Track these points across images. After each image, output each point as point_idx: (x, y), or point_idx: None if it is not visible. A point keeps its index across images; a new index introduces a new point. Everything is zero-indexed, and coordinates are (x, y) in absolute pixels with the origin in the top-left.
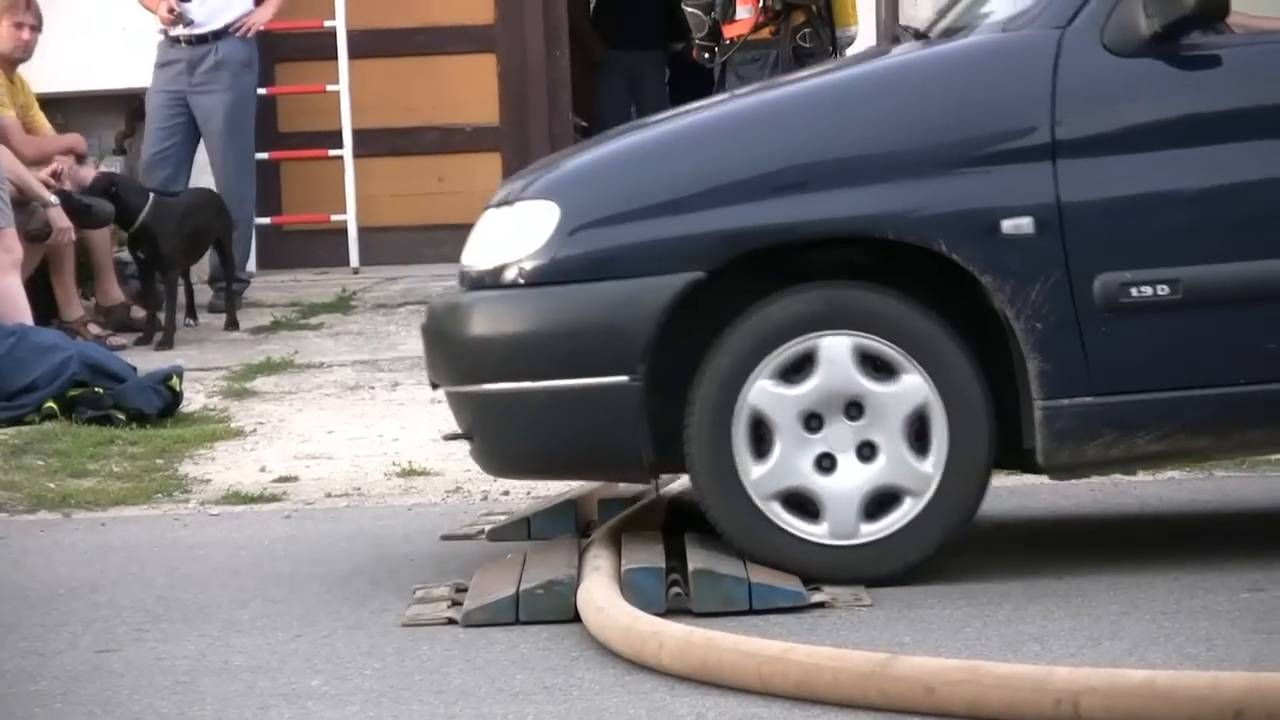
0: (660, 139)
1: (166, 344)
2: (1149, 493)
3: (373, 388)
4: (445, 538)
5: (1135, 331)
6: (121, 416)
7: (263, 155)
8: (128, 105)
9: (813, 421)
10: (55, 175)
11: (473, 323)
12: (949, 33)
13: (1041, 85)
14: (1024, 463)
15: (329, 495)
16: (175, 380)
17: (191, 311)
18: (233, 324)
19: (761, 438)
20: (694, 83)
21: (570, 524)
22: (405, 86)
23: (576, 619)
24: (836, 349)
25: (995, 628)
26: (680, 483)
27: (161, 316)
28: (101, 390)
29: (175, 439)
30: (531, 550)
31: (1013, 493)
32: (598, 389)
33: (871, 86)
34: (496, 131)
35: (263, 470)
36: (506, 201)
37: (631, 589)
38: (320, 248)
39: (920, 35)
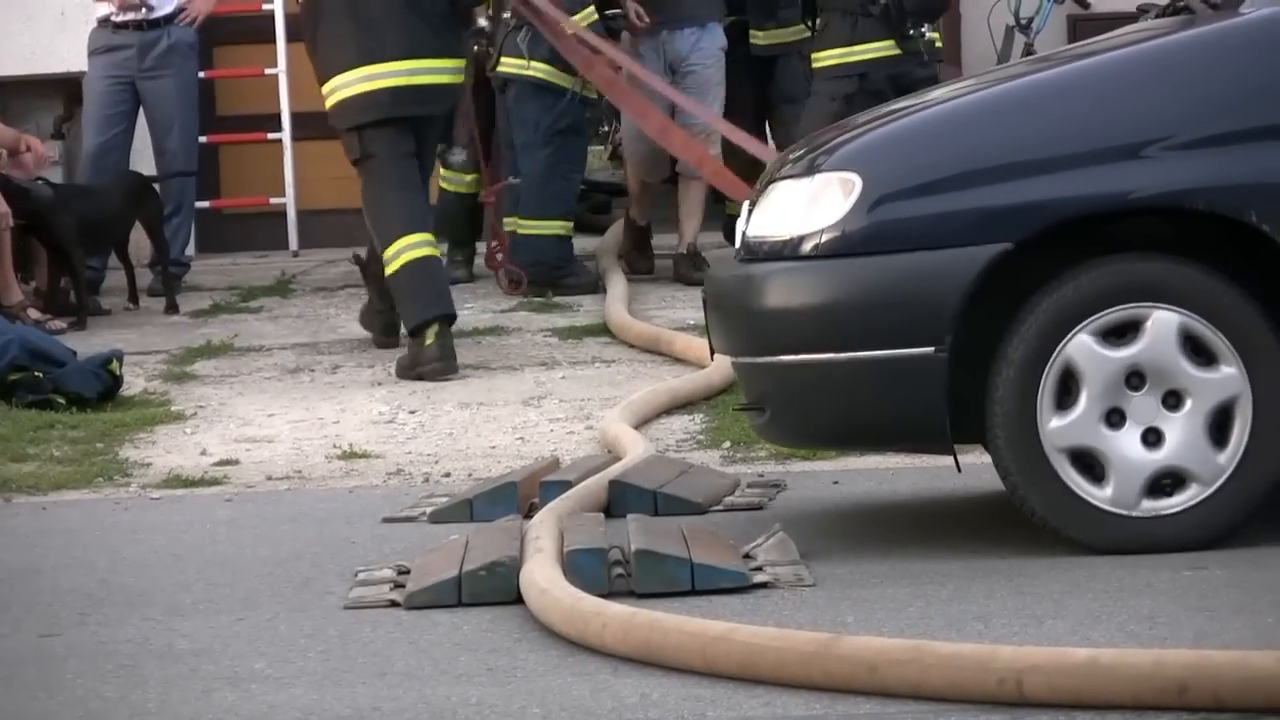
0: (964, 109)
1: (79, 324)
2: None
3: (313, 370)
4: (387, 520)
5: None
6: (61, 400)
7: (201, 139)
8: (66, 90)
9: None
10: None
11: (770, 293)
12: (1238, 2)
13: None
14: None
15: (270, 478)
16: (115, 364)
17: (133, 296)
18: (172, 308)
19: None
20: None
21: (512, 506)
22: None
23: (519, 601)
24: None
25: (938, 607)
26: (621, 465)
27: (102, 298)
28: (41, 374)
29: (115, 423)
30: (474, 532)
31: (954, 472)
32: (903, 360)
33: (1177, 58)
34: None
35: (203, 454)
36: (802, 173)
37: (574, 570)
38: (259, 231)
39: (1212, 5)
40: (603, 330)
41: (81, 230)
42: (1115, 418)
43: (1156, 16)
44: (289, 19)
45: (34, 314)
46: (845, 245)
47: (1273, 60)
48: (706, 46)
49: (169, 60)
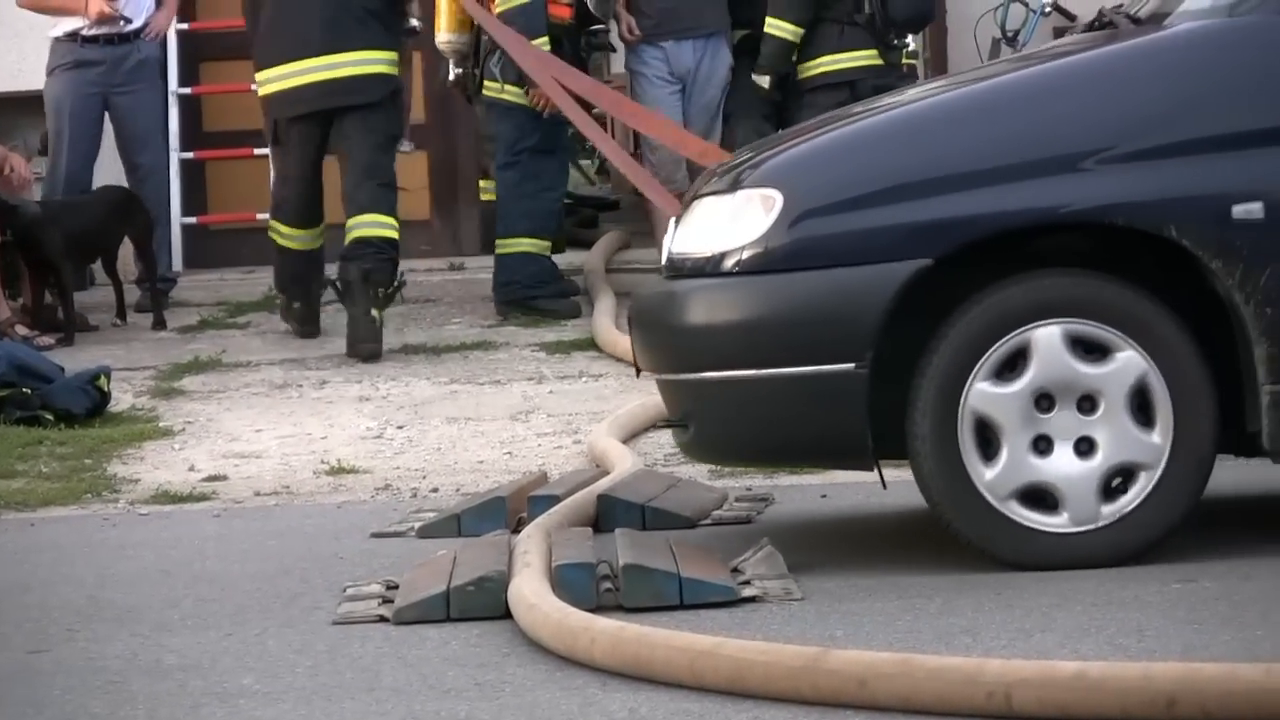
0: (885, 126)
1: (67, 340)
2: None
3: (300, 386)
4: (375, 535)
5: None
6: (50, 417)
7: (188, 155)
8: None
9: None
10: None
11: (692, 310)
12: (1158, 17)
13: (1272, 71)
14: (1249, 448)
15: (258, 494)
16: (103, 380)
17: (121, 312)
18: (160, 323)
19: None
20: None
21: (500, 520)
22: None
23: (508, 615)
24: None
25: (927, 620)
26: (610, 479)
27: (90, 313)
28: (29, 391)
29: (104, 439)
30: (462, 547)
31: None
32: (823, 376)
33: (1098, 73)
34: (423, 130)
35: (191, 469)
36: (722, 189)
37: (562, 585)
38: (246, 247)
39: (1135, 20)
40: (590, 344)
41: (70, 246)
42: (1043, 444)
43: (1083, 31)
44: None
45: (22, 330)
46: (767, 261)
47: (1193, 75)
48: (718, 69)
49: (142, 74)
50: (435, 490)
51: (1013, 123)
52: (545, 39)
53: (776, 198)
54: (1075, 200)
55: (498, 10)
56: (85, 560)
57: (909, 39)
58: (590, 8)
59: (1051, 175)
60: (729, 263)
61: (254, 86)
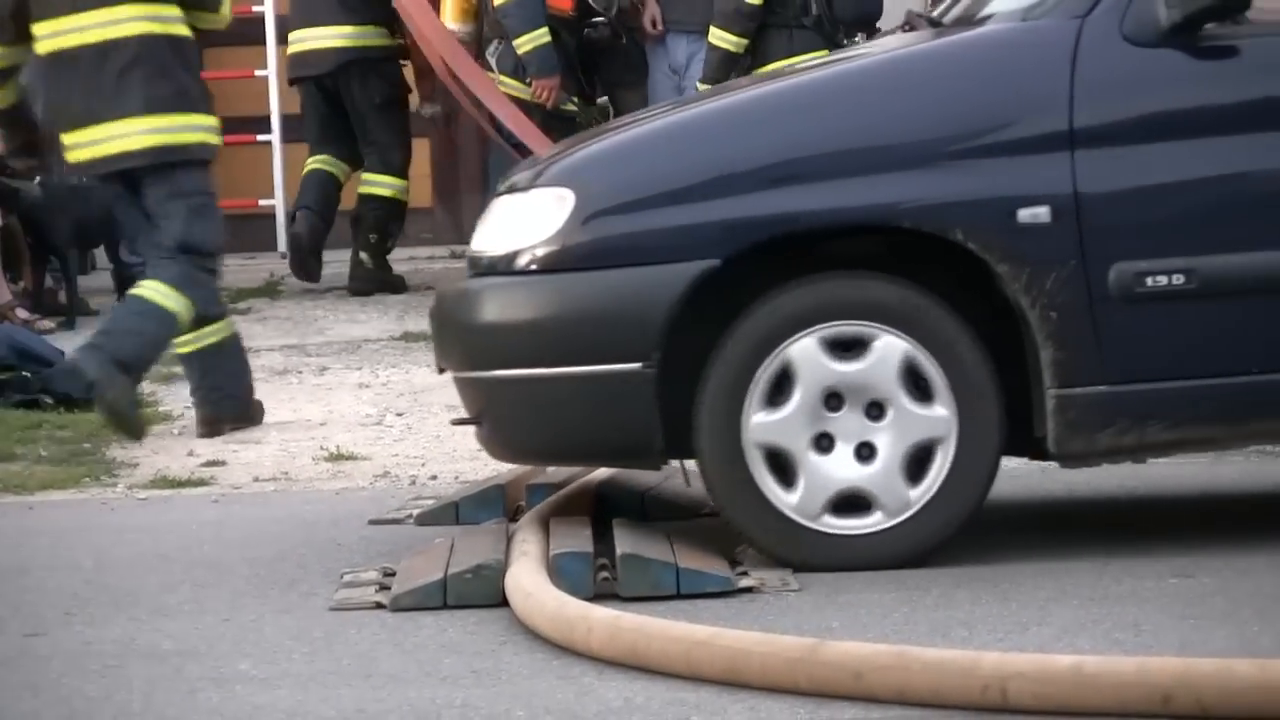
0: (676, 126)
1: (68, 324)
2: (1076, 478)
3: (300, 372)
4: (373, 522)
5: (1150, 321)
6: (49, 400)
7: None
8: None
9: (827, 418)
10: None
11: (485, 308)
12: (964, 20)
13: (1060, 75)
14: (1036, 451)
15: (257, 479)
16: None
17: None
18: None
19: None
20: None
21: (498, 509)
22: None
23: (504, 604)
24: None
25: (923, 613)
26: (608, 468)
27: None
28: (29, 374)
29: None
30: (460, 535)
31: None
32: (611, 375)
33: (889, 75)
34: (424, 118)
35: (191, 454)
36: (520, 188)
37: (559, 574)
38: (248, 232)
39: (935, 23)
40: None
41: (72, 230)
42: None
43: (892, 32)
44: (279, 21)
45: (22, 314)
46: (558, 261)
47: (983, 78)
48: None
49: None
50: (434, 478)
51: (803, 124)
52: (545, 30)
53: (569, 197)
54: (861, 202)
55: (497, 3)
56: (83, 544)
57: (858, 37)
58: (590, 1)
59: (840, 177)
60: (522, 261)
61: (258, 73)
